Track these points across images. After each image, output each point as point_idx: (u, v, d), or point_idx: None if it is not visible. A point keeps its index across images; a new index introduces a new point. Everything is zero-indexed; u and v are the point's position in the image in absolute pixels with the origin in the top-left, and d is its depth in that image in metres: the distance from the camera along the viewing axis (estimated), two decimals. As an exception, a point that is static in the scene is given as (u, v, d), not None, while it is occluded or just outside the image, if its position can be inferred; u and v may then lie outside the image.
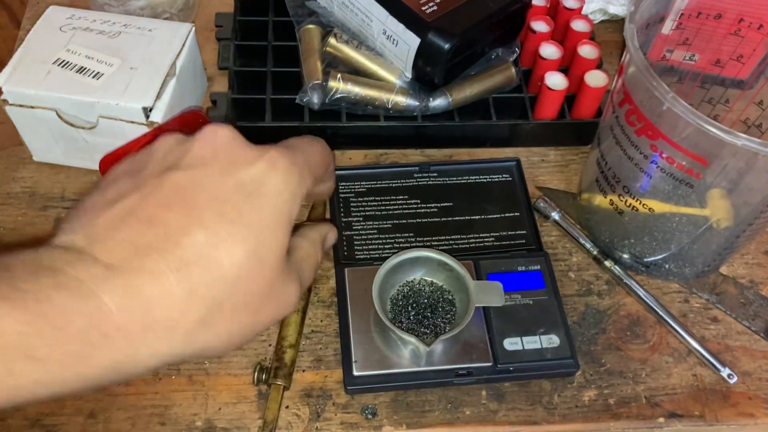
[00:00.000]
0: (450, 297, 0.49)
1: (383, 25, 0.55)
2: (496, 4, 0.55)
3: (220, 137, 0.34)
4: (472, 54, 0.58)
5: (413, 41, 0.54)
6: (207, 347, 0.32)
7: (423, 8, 0.54)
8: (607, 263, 0.53)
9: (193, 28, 0.56)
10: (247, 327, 0.33)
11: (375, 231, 0.54)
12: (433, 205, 0.55)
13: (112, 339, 0.29)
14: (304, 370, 0.48)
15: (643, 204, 0.47)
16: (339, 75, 0.56)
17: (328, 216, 0.55)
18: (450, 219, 0.55)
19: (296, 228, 0.38)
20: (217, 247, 0.31)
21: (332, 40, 0.58)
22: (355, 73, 0.58)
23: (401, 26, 0.54)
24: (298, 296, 0.36)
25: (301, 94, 0.57)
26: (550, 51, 0.59)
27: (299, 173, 0.34)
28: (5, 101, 0.51)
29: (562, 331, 0.48)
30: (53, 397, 0.29)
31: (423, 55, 0.54)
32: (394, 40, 0.55)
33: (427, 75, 0.56)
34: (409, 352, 0.47)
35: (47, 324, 0.27)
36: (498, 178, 0.57)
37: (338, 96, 0.56)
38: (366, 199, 0.55)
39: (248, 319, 0.33)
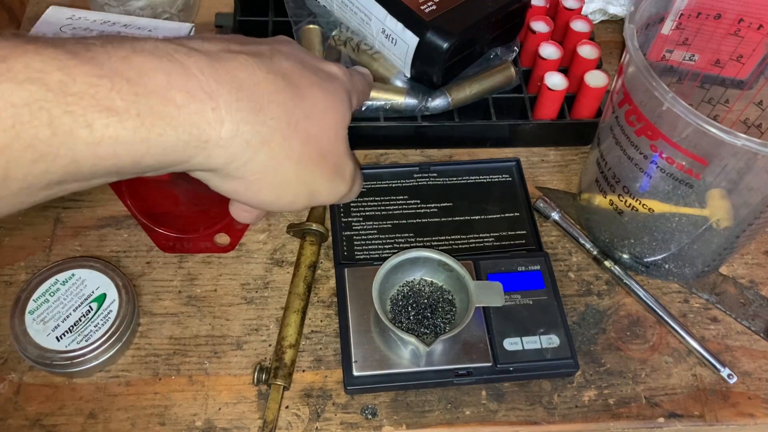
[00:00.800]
0: (450, 297, 0.49)
1: (382, 25, 0.55)
2: (496, 4, 0.55)
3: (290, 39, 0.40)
4: (471, 53, 0.58)
5: (412, 40, 0.54)
6: (268, 157, 0.32)
7: (422, 7, 0.54)
8: (607, 263, 0.53)
9: (193, 28, 0.56)
10: (302, 166, 0.34)
11: (375, 231, 0.54)
12: (433, 205, 0.55)
13: (198, 100, 0.29)
14: (304, 370, 0.48)
15: (643, 204, 0.47)
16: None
17: (328, 216, 0.55)
18: (450, 219, 0.55)
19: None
20: (302, 77, 0.35)
21: (332, 40, 0.58)
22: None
23: (400, 25, 0.54)
24: (350, 179, 0.38)
25: None
26: (549, 51, 0.59)
27: (353, 83, 0.40)
28: (5, 101, 0.51)
29: (562, 331, 0.48)
30: (135, 168, 0.29)
31: (422, 54, 0.54)
32: (393, 39, 0.55)
33: (425, 74, 0.56)
34: (409, 352, 0.47)
35: (122, 78, 0.27)
36: (498, 178, 0.57)
37: None
38: (366, 199, 0.55)
39: (308, 159, 0.34)
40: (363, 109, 0.57)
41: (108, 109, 0.26)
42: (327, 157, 0.36)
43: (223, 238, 0.53)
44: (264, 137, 0.32)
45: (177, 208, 0.53)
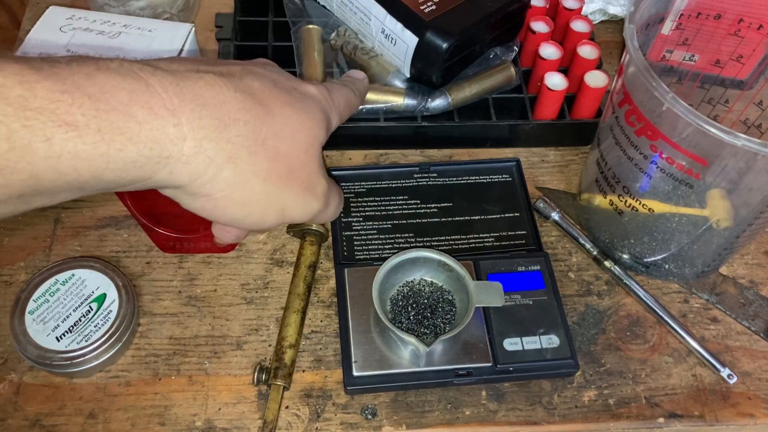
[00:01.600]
0: (450, 297, 0.49)
1: (382, 24, 0.55)
2: (495, 4, 0.55)
3: (269, 62, 0.41)
4: (470, 54, 0.58)
5: (411, 41, 0.54)
6: (233, 174, 0.33)
7: (421, 7, 0.54)
8: (607, 263, 0.53)
9: (193, 29, 0.56)
10: (269, 183, 0.34)
11: (375, 231, 0.54)
12: (433, 205, 0.55)
13: (159, 116, 0.29)
14: (304, 371, 0.48)
15: (643, 204, 0.47)
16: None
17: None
18: (450, 219, 0.55)
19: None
20: (272, 96, 0.35)
21: (332, 40, 0.59)
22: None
23: (399, 25, 0.54)
24: (323, 197, 0.38)
25: None
26: (549, 51, 0.59)
27: (333, 103, 0.40)
28: (5, 101, 0.51)
29: (562, 332, 0.48)
30: (97, 183, 0.29)
31: (421, 54, 0.54)
32: (392, 39, 0.55)
33: (425, 74, 0.56)
34: (408, 353, 0.47)
35: (83, 94, 0.27)
36: (498, 178, 0.57)
37: None
38: (366, 199, 0.55)
39: (275, 176, 0.35)
40: (363, 110, 0.57)
41: (68, 124, 0.27)
42: (297, 174, 0.36)
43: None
44: (229, 154, 0.32)
45: (177, 208, 0.52)
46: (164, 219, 0.51)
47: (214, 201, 0.34)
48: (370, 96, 0.57)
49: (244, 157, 0.33)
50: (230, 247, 0.53)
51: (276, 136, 0.34)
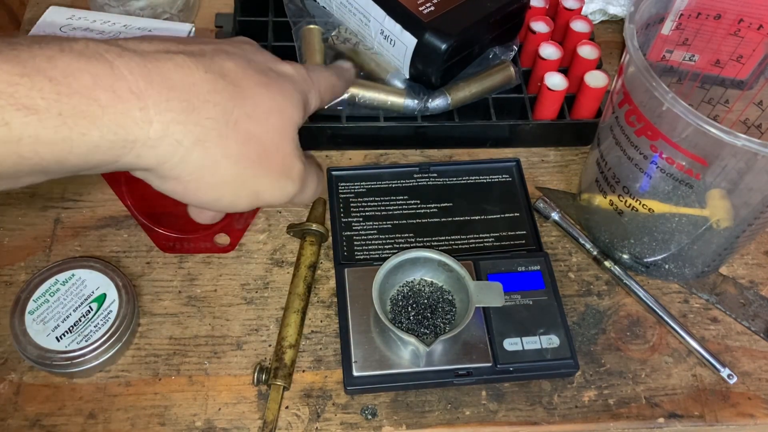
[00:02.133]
0: (450, 297, 0.49)
1: (381, 26, 0.55)
2: (494, 5, 0.55)
3: (249, 40, 0.40)
4: (469, 54, 0.58)
5: (410, 42, 0.54)
6: (202, 157, 0.32)
7: (420, 8, 0.54)
8: (607, 263, 0.53)
9: (193, 29, 0.56)
10: (241, 166, 0.34)
11: (375, 231, 0.54)
12: (432, 205, 0.55)
13: (124, 100, 0.29)
14: (304, 371, 0.48)
15: (643, 204, 0.47)
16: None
17: (328, 216, 0.55)
18: (450, 219, 0.55)
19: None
20: (245, 77, 0.34)
21: (331, 39, 0.58)
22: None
23: (398, 26, 0.54)
24: (298, 179, 0.37)
25: None
26: (549, 51, 0.59)
27: (311, 82, 0.39)
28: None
29: (562, 332, 0.48)
30: (61, 167, 0.29)
31: (420, 55, 0.54)
32: (391, 40, 0.55)
33: (424, 75, 0.56)
34: (408, 353, 0.47)
35: (44, 78, 0.27)
36: (498, 178, 0.57)
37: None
38: (366, 199, 0.55)
39: (247, 159, 0.34)
40: (363, 109, 0.57)
41: (27, 108, 0.26)
42: (270, 157, 0.35)
43: (223, 238, 0.53)
44: (197, 137, 0.31)
45: (177, 208, 0.52)
46: (164, 219, 0.51)
47: (184, 184, 0.33)
48: (370, 94, 0.57)
49: (214, 139, 0.32)
50: (230, 247, 0.53)
51: (248, 117, 0.34)
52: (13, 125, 0.26)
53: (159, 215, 0.51)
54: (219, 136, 0.32)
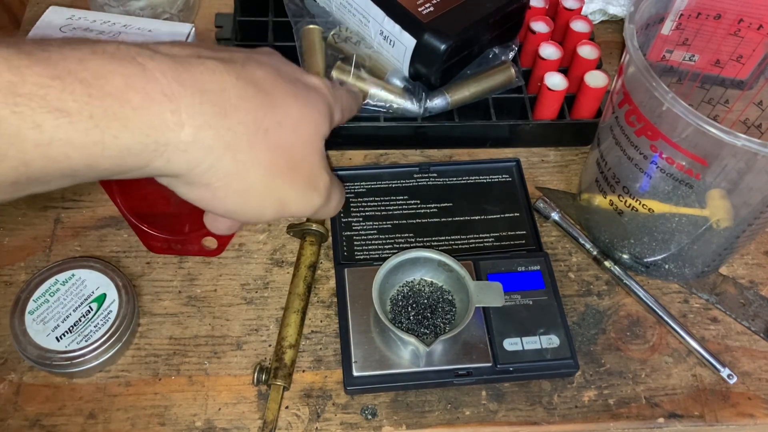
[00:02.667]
0: (450, 297, 0.49)
1: (380, 26, 0.55)
2: (493, 5, 0.55)
3: (275, 51, 0.40)
4: (469, 54, 0.58)
5: (409, 42, 0.54)
6: (232, 163, 0.32)
7: (419, 9, 0.54)
8: (607, 263, 0.53)
9: (193, 29, 0.56)
10: (270, 174, 0.33)
11: (375, 231, 0.54)
12: (432, 205, 0.55)
13: (156, 102, 0.28)
14: (304, 371, 0.48)
15: (643, 204, 0.47)
16: (350, 69, 0.56)
17: (328, 216, 0.55)
18: (450, 219, 0.55)
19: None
20: (275, 86, 0.34)
21: (331, 38, 0.59)
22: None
23: (397, 27, 0.54)
24: (325, 192, 0.37)
25: None
26: (549, 51, 0.59)
27: (335, 96, 0.40)
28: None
29: (562, 332, 0.48)
30: (91, 171, 0.28)
31: (419, 56, 0.54)
32: (390, 41, 0.55)
33: (423, 76, 0.56)
34: (408, 353, 0.47)
35: (75, 80, 0.26)
36: (498, 178, 0.57)
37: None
38: (366, 199, 0.55)
39: (276, 167, 0.34)
40: (363, 108, 0.57)
41: (58, 110, 0.26)
42: (299, 167, 0.35)
43: (210, 242, 0.53)
44: (228, 142, 0.31)
45: (167, 210, 0.52)
46: (154, 220, 0.51)
47: (212, 191, 0.32)
48: (371, 90, 0.57)
49: (245, 146, 0.32)
50: (217, 251, 0.52)
51: (278, 126, 0.33)
52: (44, 128, 0.26)
53: (149, 216, 0.51)
54: (249, 143, 0.32)
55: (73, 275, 0.48)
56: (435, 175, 0.57)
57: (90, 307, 0.47)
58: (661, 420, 0.47)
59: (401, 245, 0.53)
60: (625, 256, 0.53)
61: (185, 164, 0.31)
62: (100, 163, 0.28)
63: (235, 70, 0.32)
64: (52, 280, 0.48)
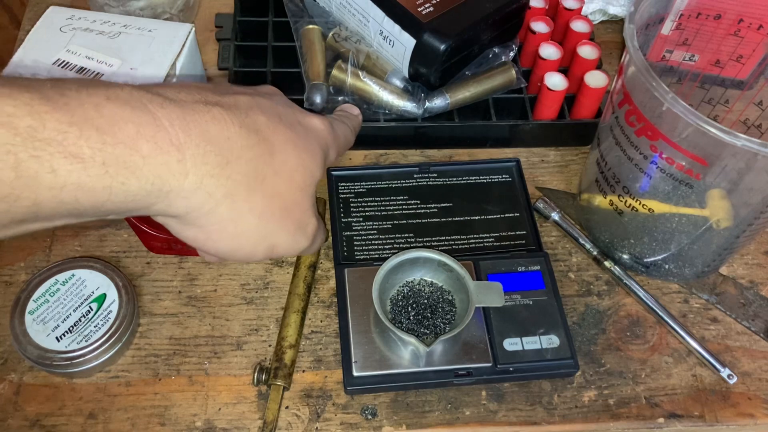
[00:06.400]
0: (450, 297, 0.49)
1: (380, 26, 0.55)
2: (493, 5, 0.55)
3: (275, 90, 0.41)
4: (468, 54, 0.58)
5: (409, 42, 0.54)
6: (229, 210, 0.33)
7: (419, 9, 0.54)
8: (607, 264, 0.53)
9: (193, 29, 0.56)
10: (264, 220, 0.35)
11: (375, 231, 0.54)
12: (432, 205, 0.55)
13: (164, 151, 0.29)
14: (304, 371, 0.48)
15: (643, 204, 0.47)
16: (348, 67, 0.56)
17: (328, 216, 0.55)
18: (450, 219, 0.55)
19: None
20: (275, 132, 0.35)
21: (331, 38, 0.58)
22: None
23: (397, 27, 0.54)
24: (311, 235, 0.38)
25: (307, 95, 0.57)
26: (549, 51, 0.59)
27: (334, 138, 0.41)
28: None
29: (562, 332, 0.48)
30: (95, 212, 0.29)
31: (419, 56, 0.54)
32: (390, 41, 0.55)
33: (423, 76, 0.56)
34: (408, 353, 0.47)
35: (91, 126, 0.27)
36: (498, 178, 0.57)
37: (341, 88, 0.56)
38: (366, 199, 0.55)
39: (270, 213, 0.35)
40: (364, 108, 0.57)
41: (74, 156, 0.27)
42: (291, 213, 0.36)
43: None
44: (228, 190, 0.33)
45: None
46: (154, 220, 0.51)
47: (207, 233, 0.34)
48: (370, 89, 0.57)
49: (243, 194, 0.33)
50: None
51: (276, 174, 0.35)
52: (59, 172, 0.27)
53: (149, 216, 0.51)
54: (247, 191, 0.34)
55: (73, 275, 0.48)
56: (435, 175, 0.57)
57: (90, 307, 0.47)
58: (661, 420, 0.47)
59: (401, 245, 0.53)
60: (625, 256, 0.53)
61: (184, 208, 0.32)
62: (106, 206, 0.29)
63: (239, 117, 0.33)
64: (52, 280, 0.48)
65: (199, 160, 0.31)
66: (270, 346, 0.49)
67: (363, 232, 0.54)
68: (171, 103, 0.31)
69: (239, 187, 0.33)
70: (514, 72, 0.59)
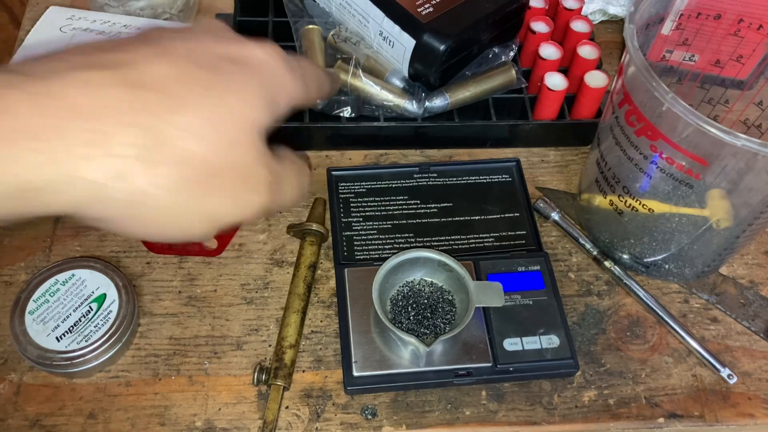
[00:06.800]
0: (450, 297, 0.49)
1: (379, 27, 0.55)
2: (493, 5, 0.55)
3: (217, 24, 0.33)
4: (468, 55, 0.58)
5: (409, 43, 0.54)
6: (126, 193, 0.27)
7: (419, 9, 0.54)
8: (607, 263, 0.53)
9: (193, 29, 0.56)
10: (181, 193, 0.28)
11: (375, 231, 0.54)
12: (432, 205, 0.55)
13: (16, 145, 0.24)
14: (304, 371, 0.48)
15: (643, 204, 0.47)
16: (349, 68, 0.56)
17: (328, 216, 0.55)
18: (450, 219, 0.55)
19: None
20: (180, 81, 0.28)
21: (331, 38, 0.59)
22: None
23: (397, 28, 0.54)
24: (264, 188, 0.31)
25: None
26: (549, 51, 0.59)
27: (289, 69, 0.33)
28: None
29: (562, 332, 0.48)
30: None
31: (418, 56, 0.54)
32: (390, 41, 0.55)
33: (423, 76, 0.56)
34: (409, 353, 0.47)
35: None
36: (498, 178, 0.57)
37: (341, 87, 0.56)
38: (366, 199, 0.55)
39: (187, 183, 0.28)
40: (365, 108, 0.57)
41: None
42: (220, 173, 0.29)
43: (210, 242, 0.53)
44: (116, 171, 0.26)
45: None
46: None
47: (115, 223, 0.28)
48: (370, 89, 0.57)
49: (137, 170, 0.27)
50: (217, 251, 0.52)
51: (182, 133, 0.28)
52: None
53: None
54: (144, 165, 0.27)
55: (73, 275, 0.48)
56: (435, 175, 0.57)
57: (90, 307, 0.47)
58: (661, 420, 0.47)
59: (401, 245, 0.53)
60: (625, 256, 0.53)
61: (65, 205, 0.26)
62: None
63: (120, 75, 0.27)
64: (52, 280, 0.48)
65: (66, 143, 0.25)
66: (270, 346, 0.49)
67: (363, 232, 0.54)
68: (21, 78, 0.25)
69: (130, 163, 0.26)
70: (514, 72, 0.59)
